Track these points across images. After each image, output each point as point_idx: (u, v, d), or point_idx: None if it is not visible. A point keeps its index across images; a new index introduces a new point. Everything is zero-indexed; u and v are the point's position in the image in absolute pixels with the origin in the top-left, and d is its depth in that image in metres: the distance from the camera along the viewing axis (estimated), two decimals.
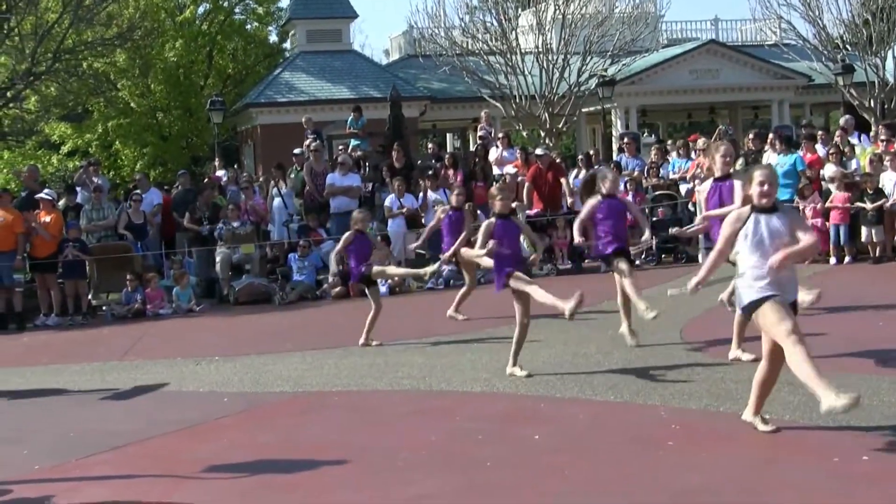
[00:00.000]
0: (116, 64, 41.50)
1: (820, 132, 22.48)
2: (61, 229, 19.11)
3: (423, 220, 21.03)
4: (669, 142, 24.15)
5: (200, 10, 46.38)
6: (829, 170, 19.72)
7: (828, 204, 18.98)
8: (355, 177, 21.94)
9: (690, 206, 20.41)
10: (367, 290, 13.47)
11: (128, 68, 42.22)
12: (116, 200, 22.58)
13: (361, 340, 13.30)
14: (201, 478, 7.84)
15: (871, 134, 22.98)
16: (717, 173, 11.23)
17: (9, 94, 36.11)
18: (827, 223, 18.74)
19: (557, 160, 22.47)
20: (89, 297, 19.64)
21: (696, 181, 20.38)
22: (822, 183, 19.86)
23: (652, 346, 11.97)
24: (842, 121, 23.03)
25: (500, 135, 25.40)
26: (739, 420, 8.33)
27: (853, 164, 19.78)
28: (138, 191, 22.02)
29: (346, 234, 13.28)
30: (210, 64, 46.62)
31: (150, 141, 43.98)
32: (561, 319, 14.31)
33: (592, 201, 11.76)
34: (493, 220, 10.88)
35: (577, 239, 12.09)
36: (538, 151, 21.52)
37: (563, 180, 20.77)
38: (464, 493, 7.12)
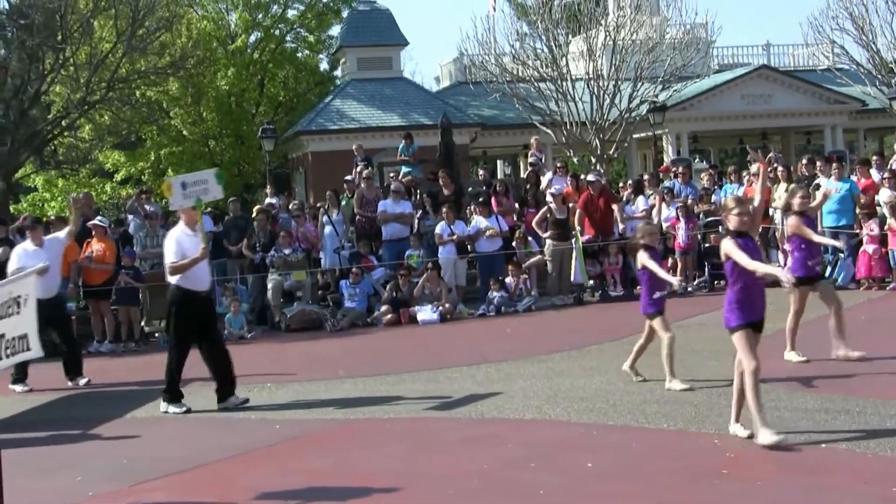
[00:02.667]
0: (169, 92, 41.90)
1: (875, 157, 22.27)
2: (114, 256, 19.25)
3: (470, 247, 21.05)
4: (730, 168, 23.92)
5: (252, 38, 46.75)
6: (885, 195, 19.52)
7: (886, 229, 18.76)
8: (407, 204, 21.99)
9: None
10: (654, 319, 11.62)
11: (180, 96, 42.61)
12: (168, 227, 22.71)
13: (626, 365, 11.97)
14: None
15: None
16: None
17: (63, 122, 36.58)
18: (884, 249, 18.53)
19: (630, 182, 22.40)
20: (142, 323, 19.78)
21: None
22: (878, 208, 19.67)
23: (705, 373, 11.86)
24: None
25: (559, 164, 25.38)
26: (795, 448, 8.24)
27: None
28: None
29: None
30: (261, 92, 46.93)
31: (202, 168, 44.23)
32: (612, 346, 14.31)
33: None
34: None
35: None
36: (590, 177, 21.44)
37: (614, 206, 20.68)
38: None
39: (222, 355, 12.01)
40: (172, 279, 11.95)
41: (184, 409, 11.84)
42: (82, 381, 14.69)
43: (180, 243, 11.90)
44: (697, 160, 44.81)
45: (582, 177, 23.02)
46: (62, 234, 15.36)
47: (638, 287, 20.88)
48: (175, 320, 11.95)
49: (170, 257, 11.93)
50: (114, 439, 10.72)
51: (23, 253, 14.86)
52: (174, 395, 11.95)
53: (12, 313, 12.52)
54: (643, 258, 11.32)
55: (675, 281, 11.89)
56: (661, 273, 11.39)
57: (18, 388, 14.50)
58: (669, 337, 11.28)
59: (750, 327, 8.84)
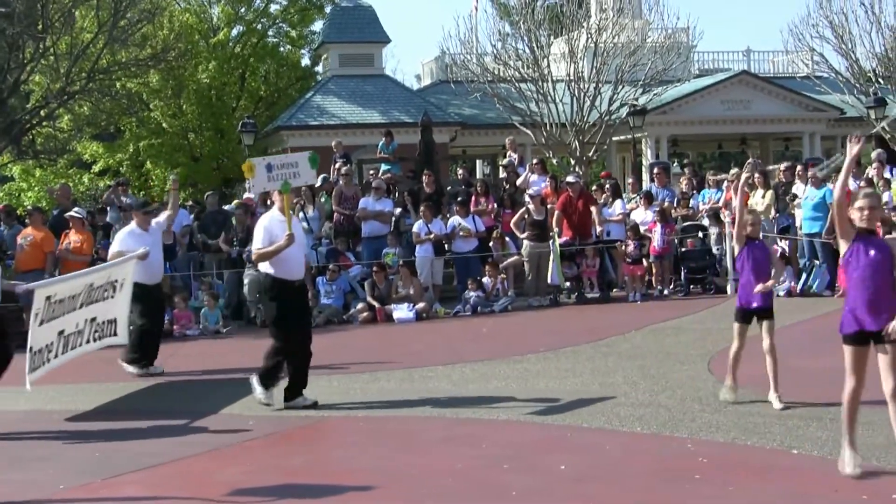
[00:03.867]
0: (149, 84, 41.76)
1: None
2: (92, 248, 19.18)
3: (447, 247, 21.06)
4: (710, 173, 24.02)
5: (234, 32, 46.59)
6: None
7: None
8: (387, 202, 22.01)
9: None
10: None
11: (161, 89, 42.47)
12: None
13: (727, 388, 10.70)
14: (229, 501, 7.84)
15: None
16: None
17: (42, 112, 36.42)
18: None
19: (593, 187, 22.47)
20: None
21: (726, 211, 20.38)
22: None
23: (679, 377, 11.91)
24: (874, 154, 22.90)
25: (535, 160, 25.40)
26: (767, 453, 8.30)
27: (886, 197, 19.66)
28: None
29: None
30: (242, 86, 46.81)
31: (181, 161, 44.14)
32: (588, 348, 14.36)
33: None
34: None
35: None
36: (569, 179, 21.48)
37: (593, 208, 20.72)
38: None
39: (307, 354, 11.44)
40: (262, 267, 11.42)
41: (268, 399, 11.36)
42: (155, 370, 14.32)
43: (269, 230, 11.33)
44: (675, 165, 44.90)
45: (561, 178, 23.09)
46: (161, 217, 15.12)
47: (614, 290, 21.07)
48: (271, 311, 11.39)
49: (256, 244, 11.42)
50: (87, 433, 10.69)
51: (127, 236, 14.46)
52: (268, 384, 11.40)
53: (107, 297, 12.58)
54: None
55: (769, 283, 10.40)
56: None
57: (132, 368, 14.20)
58: (737, 347, 10.45)
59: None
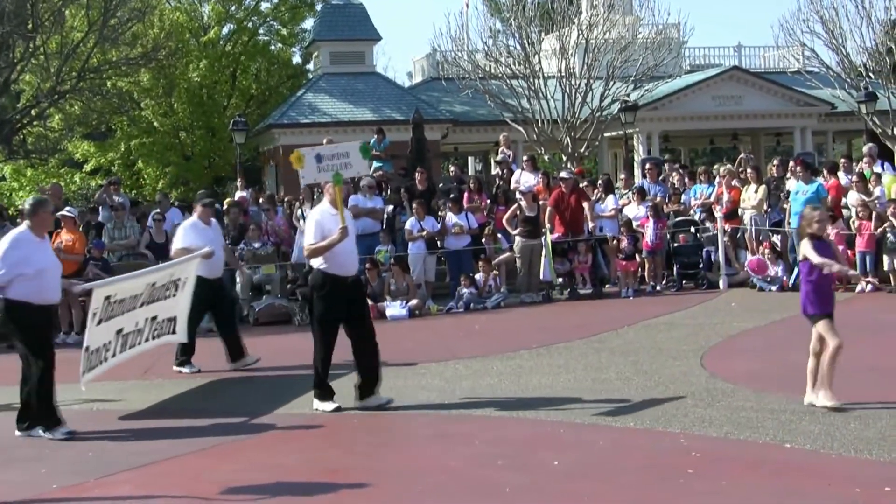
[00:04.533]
0: (140, 83, 41.75)
1: (843, 160, 22.42)
2: (83, 247, 19.16)
3: (440, 243, 21.05)
4: (699, 169, 24.00)
5: (225, 30, 46.59)
6: (852, 197, 19.67)
7: (855, 231, 18.87)
8: (378, 199, 21.99)
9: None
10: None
11: (151, 88, 42.45)
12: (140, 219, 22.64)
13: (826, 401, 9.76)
14: (222, 499, 7.83)
15: None
16: None
17: (33, 111, 36.42)
18: (849, 251, 18.64)
19: (584, 183, 22.47)
20: None
21: (718, 206, 20.40)
22: (844, 211, 19.82)
23: (672, 373, 11.92)
24: (865, 149, 22.97)
25: (525, 158, 25.37)
26: (760, 447, 8.31)
27: (877, 192, 19.71)
28: (159, 210, 22.09)
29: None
30: (233, 84, 46.80)
31: (172, 160, 44.18)
32: (580, 344, 14.36)
33: None
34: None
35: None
36: (562, 174, 21.49)
37: (585, 204, 20.70)
38: None
39: (372, 349, 10.98)
40: (314, 263, 10.94)
41: (334, 406, 10.82)
42: (250, 361, 14.12)
43: (320, 224, 10.87)
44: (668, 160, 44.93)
45: (553, 175, 23.11)
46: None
47: (607, 286, 21.07)
48: (318, 308, 10.86)
49: (308, 239, 10.96)
50: (80, 432, 10.67)
51: (190, 230, 14.03)
52: (323, 392, 10.94)
53: (168, 296, 12.39)
54: (805, 248, 9.83)
55: (843, 269, 10.09)
56: (818, 260, 9.62)
57: (186, 369, 13.86)
58: (837, 344, 9.61)
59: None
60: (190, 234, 13.93)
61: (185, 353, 13.91)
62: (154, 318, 12.08)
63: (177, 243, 13.96)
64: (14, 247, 10.31)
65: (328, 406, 10.82)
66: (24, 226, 10.61)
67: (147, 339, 12.06)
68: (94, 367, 10.69)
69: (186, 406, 11.84)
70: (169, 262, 13.46)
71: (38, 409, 10.34)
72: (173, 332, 12.73)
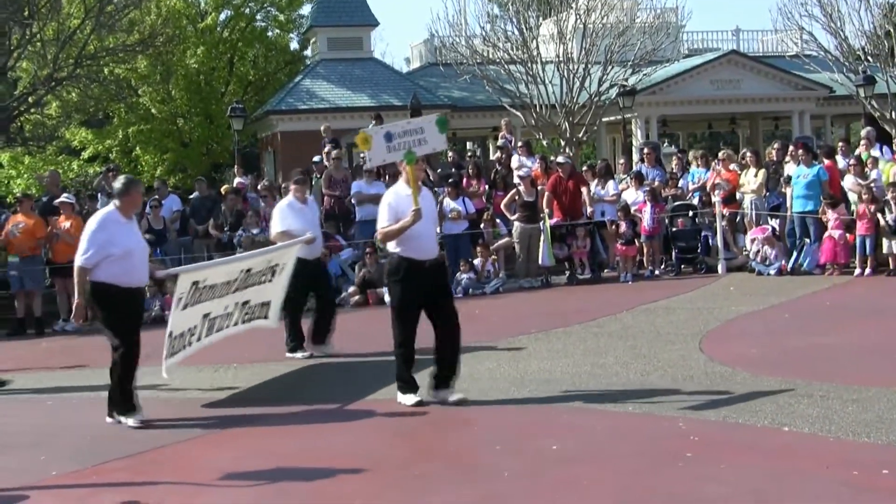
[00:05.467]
0: (138, 70, 41.68)
1: (841, 143, 22.40)
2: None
3: (439, 229, 21.03)
4: (692, 152, 23.96)
5: (222, 17, 46.49)
6: (849, 181, 19.64)
7: (855, 215, 18.84)
8: (380, 185, 21.95)
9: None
10: None
11: (149, 74, 42.40)
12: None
13: None
14: (219, 485, 7.84)
15: None
16: None
17: (30, 99, 36.34)
18: (848, 235, 18.62)
19: (584, 168, 22.45)
20: None
21: (716, 191, 20.37)
22: (850, 194, 19.79)
23: (671, 357, 11.92)
24: (863, 132, 22.91)
25: (520, 143, 25.33)
26: (758, 431, 8.31)
27: (873, 175, 19.68)
28: (157, 197, 22.10)
29: None
30: (231, 71, 46.74)
31: (170, 147, 44.17)
32: (579, 328, 14.37)
33: None
34: None
35: None
36: (559, 160, 21.47)
37: (583, 189, 20.68)
38: None
39: (451, 340, 10.35)
40: (390, 247, 10.40)
41: (415, 400, 10.20)
42: (327, 349, 13.62)
43: (393, 206, 10.28)
44: (666, 144, 44.91)
45: (550, 160, 23.08)
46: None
47: (605, 270, 21.06)
48: (395, 295, 10.35)
49: (381, 222, 10.38)
50: (78, 419, 10.68)
51: (287, 211, 13.52)
52: (404, 384, 10.32)
53: (264, 281, 11.97)
54: None
55: None
56: None
57: (298, 354, 13.53)
58: None
59: None
60: (288, 215, 13.46)
61: (295, 339, 13.61)
62: (246, 303, 11.71)
63: (276, 226, 13.45)
64: (101, 227, 10.10)
65: (409, 399, 10.20)
66: (112, 206, 10.36)
67: (237, 324, 11.70)
68: (178, 352, 10.42)
69: (273, 394, 11.63)
70: (267, 249, 12.97)
71: (114, 394, 10.19)
72: (265, 318, 12.32)
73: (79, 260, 10.04)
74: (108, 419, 10.20)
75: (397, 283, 10.26)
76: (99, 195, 22.03)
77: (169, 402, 11.26)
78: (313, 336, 13.70)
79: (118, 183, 10.46)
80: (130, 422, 9.99)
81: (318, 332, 13.73)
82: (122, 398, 10.15)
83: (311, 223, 13.49)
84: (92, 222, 10.22)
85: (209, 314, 10.95)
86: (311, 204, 13.97)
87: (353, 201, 21.82)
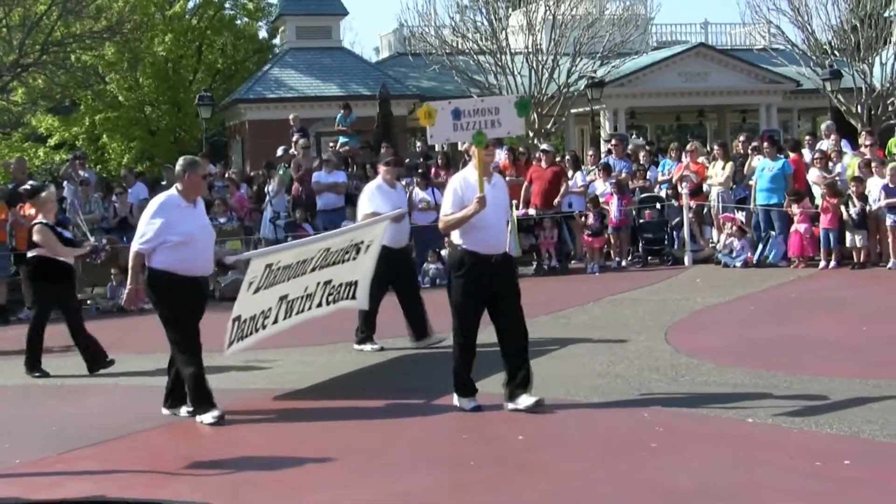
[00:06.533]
0: (105, 57, 41.36)
1: (808, 137, 22.53)
2: None
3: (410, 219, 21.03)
4: (672, 146, 23.85)
5: (190, 4, 46.22)
6: (813, 174, 19.74)
7: (819, 208, 18.95)
8: (341, 174, 21.93)
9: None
10: None
11: (116, 62, 42.10)
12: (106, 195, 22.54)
13: None
14: (186, 474, 7.83)
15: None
16: None
17: None
18: (814, 228, 18.73)
19: (567, 157, 22.58)
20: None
21: (683, 183, 20.45)
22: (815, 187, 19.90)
23: (637, 348, 11.97)
24: (823, 126, 23.07)
25: None
26: (723, 422, 8.37)
27: (838, 169, 19.80)
28: (123, 184, 22.02)
29: None
30: (199, 59, 46.50)
31: (137, 135, 43.92)
32: (545, 319, 14.40)
33: None
34: None
35: None
36: (543, 147, 21.63)
37: (563, 179, 20.70)
38: (447, 492, 7.13)
39: (518, 342, 9.60)
40: (453, 237, 9.50)
41: (473, 404, 9.50)
42: (435, 340, 12.80)
43: (459, 193, 9.37)
44: (634, 136, 45.02)
45: (520, 151, 23.11)
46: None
47: (573, 261, 21.11)
48: (456, 291, 9.51)
49: (445, 209, 9.50)
50: (43, 407, 10.63)
51: (376, 193, 12.82)
52: (462, 387, 9.60)
53: (347, 259, 11.34)
54: None
55: None
56: None
57: (367, 347, 12.89)
58: None
59: None
60: (376, 197, 12.75)
61: (366, 329, 12.95)
62: (328, 283, 11.11)
63: (364, 208, 12.77)
64: (160, 212, 9.47)
65: (467, 404, 9.48)
66: (173, 189, 9.76)
67: (320, 305, 11.16)
68: (247, 337, 10.03)
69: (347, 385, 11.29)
70: (348, 227, 12.47)
71: (188, 391, 9.57)
72: (352, 298, 11.74)
73: (135, 245, 9.55)
74: (165, 411, 9.76)
75: (459, 279, 9.44)
76: (65, 183, 21.88)
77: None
78: (414, 333, 13.05)
79: (178, 165, 9.89)
80: (207, 419, 9.38)
81: (415, 327, 13.04)
82: (196, 396, 9.52)
83: (399, 207, 12.86)
84: (151, 206, 9.66)
85: (286, 296, 10.45)
86: (399, 188, 13.47)
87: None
